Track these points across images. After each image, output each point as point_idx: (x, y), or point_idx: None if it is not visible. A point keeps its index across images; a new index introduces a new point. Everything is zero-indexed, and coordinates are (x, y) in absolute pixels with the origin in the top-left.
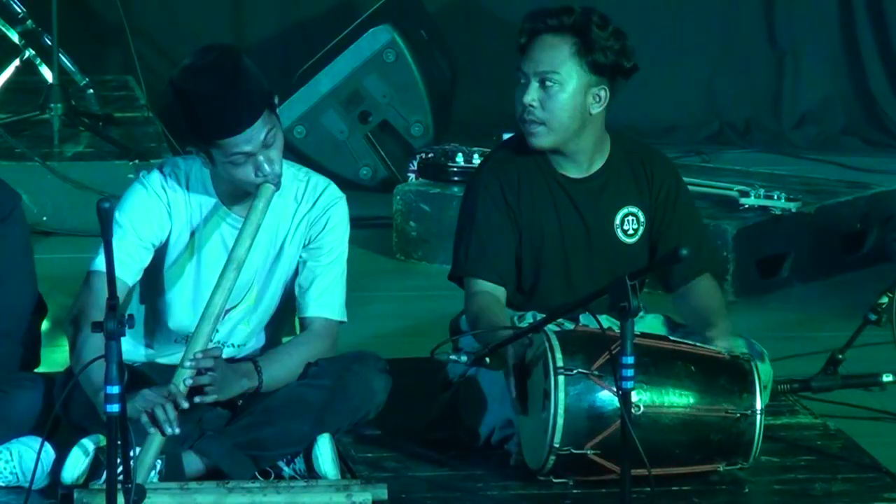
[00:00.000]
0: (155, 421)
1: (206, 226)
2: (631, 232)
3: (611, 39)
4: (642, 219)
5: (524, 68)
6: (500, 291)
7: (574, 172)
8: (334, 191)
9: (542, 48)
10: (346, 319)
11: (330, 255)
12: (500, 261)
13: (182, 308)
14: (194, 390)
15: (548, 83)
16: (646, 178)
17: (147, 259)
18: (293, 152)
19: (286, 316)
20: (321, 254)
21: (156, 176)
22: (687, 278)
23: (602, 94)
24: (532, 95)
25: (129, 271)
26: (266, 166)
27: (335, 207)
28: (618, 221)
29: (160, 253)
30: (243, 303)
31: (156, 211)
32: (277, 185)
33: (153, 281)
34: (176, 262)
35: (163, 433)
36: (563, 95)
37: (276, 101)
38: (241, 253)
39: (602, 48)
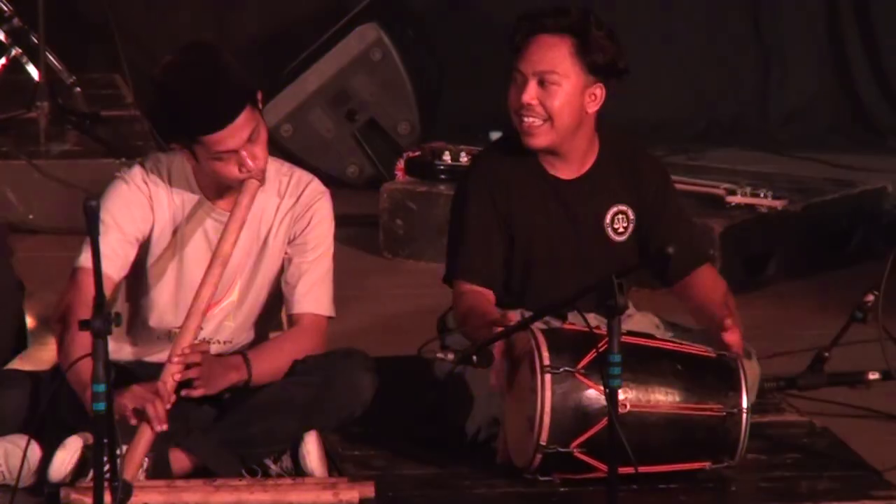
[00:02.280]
0: (144, 418)
1: (190, 221)
2: (621, 230)
3: (607, 40)
4: (632, 216)
5: (521, 68)
6: (488, 292)
7: (565, 173)
8: (318, 186)
9: (540, 48)
10: (334, 315)
11: (316, 251)
12: (488, 265)
13: (166, 305)
14: (182, 384)
15: (546, 83)
16: (634, 176)
17: (132, 253)
18: (280, 151)
19: (275, 312)
20: (307, 250)
21: (137, 170)
22: (682, 273)
23: (598, 93)
24: (531, 94)
25: (115, 266)
26: (250, 162)
27: (319, 203)
28: (608, 220)
29: (143, 248)
30: (227, 298)
31: (138, 204)
32: (262, 181)
33: (137, 278)
34: (159, 258)
35: (152, 430)
36: (562, 95)
37: (261, 97)
38: (227, 248)
39: (600, 49)
